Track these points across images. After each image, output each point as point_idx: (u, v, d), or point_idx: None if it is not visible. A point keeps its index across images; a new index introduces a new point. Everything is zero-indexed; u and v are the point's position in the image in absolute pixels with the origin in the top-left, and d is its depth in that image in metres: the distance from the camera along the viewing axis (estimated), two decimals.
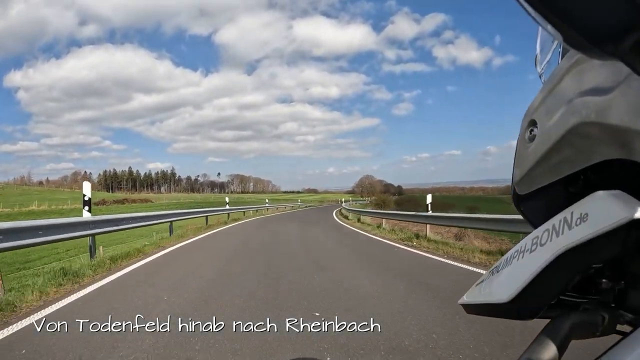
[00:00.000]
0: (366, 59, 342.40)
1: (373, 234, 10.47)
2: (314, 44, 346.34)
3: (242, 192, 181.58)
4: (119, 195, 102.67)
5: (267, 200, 30.91)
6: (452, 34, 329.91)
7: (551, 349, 0.34)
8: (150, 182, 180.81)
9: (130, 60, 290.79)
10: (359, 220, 16.68)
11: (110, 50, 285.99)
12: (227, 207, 18.20)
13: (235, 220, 17.58)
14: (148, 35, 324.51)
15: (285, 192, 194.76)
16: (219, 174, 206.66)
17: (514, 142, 0.45)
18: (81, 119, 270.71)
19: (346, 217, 20.10)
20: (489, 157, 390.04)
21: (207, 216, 14.18)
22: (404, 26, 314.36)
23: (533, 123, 0.39)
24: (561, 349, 0.34)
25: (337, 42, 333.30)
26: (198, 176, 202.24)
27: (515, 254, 0.39)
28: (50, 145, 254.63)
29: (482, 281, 0.45)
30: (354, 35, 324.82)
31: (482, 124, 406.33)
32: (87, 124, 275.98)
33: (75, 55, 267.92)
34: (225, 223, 15.29)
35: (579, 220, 0.30)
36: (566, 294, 0.35)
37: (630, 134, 0.28)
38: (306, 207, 42.59)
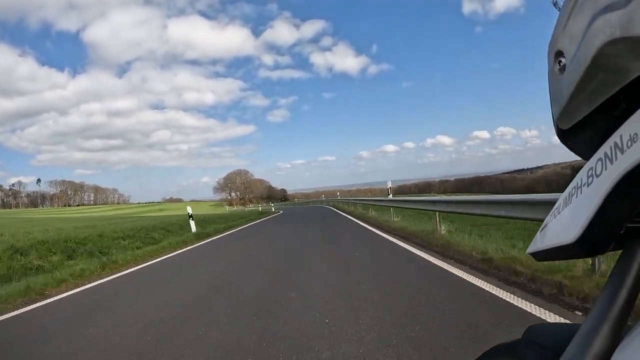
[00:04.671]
0: (243, 63, 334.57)
1: None
2: (188, 46, 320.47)
3: (67, 206, 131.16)
4: None
5: None
6: (331, 40, 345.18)
7: (629, 280, 0.32)
8: None
9: None
10: None
11: None
12: None
13: None
14: (10, 29, 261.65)
15: (138, 204, 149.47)
16: (38, 180, 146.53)
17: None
18: None
19: None
20: (362, 161, 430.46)
21: None
22: (283, 31, 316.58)
23: (560, 53, 0.37)
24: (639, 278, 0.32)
25: (214, 44, 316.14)
26: (13, 185, 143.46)
27: (573, 190, 0.37)
28: None
29: (545, 225, 0.43)
30: (231, 39, 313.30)
31: (356, 129, 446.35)
32: None
33: None
34: None
35: (629, 142, 0.29)
36: (633, 220, 0.33)
37: None
38: None
